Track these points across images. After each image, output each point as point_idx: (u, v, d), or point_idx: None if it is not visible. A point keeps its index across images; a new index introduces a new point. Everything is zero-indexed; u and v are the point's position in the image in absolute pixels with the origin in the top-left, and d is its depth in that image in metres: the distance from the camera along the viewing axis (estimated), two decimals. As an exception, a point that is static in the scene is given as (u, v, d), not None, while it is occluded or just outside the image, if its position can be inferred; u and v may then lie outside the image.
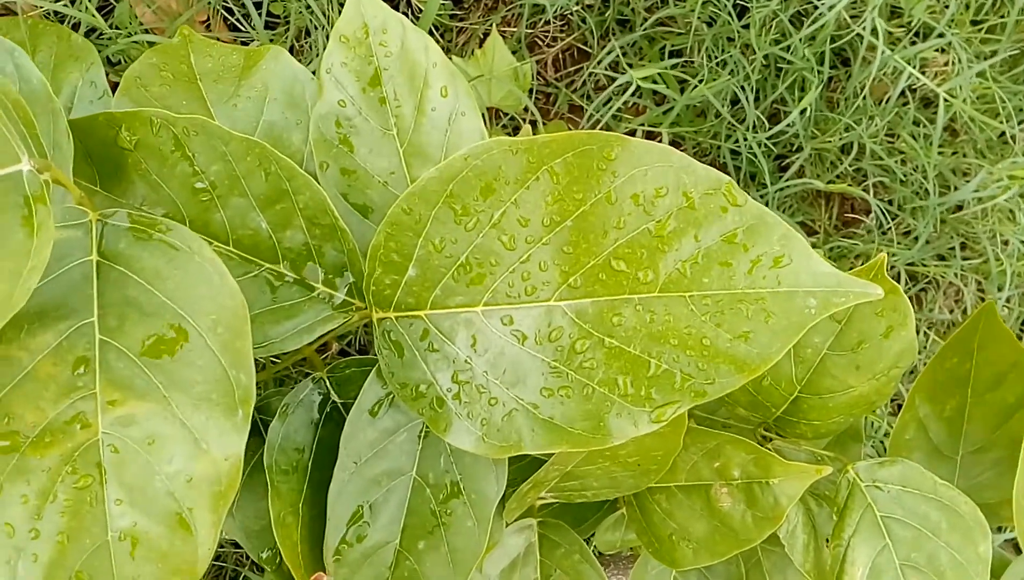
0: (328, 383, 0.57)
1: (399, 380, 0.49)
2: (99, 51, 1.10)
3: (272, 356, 0.67)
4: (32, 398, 0.41)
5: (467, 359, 0.47)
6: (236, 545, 1.19)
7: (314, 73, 0.57)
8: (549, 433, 0.45)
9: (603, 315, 0.45)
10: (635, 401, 0.44)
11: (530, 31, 1.24)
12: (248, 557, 1.19)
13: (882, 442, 1.23)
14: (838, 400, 0.59)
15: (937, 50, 1.22)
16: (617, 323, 0.45)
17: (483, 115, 1.20)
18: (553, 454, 0.54)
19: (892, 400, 1.27)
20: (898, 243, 1.27)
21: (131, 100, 0.57)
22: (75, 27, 1.13)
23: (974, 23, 1.23)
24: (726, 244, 0.43)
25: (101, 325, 0.42)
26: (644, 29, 1.20)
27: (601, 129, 1.25)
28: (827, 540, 0.59)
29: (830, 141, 1.22)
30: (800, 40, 1.15)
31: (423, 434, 0.54)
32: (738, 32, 1.18)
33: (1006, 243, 1.27)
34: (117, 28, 1.12)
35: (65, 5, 1.06)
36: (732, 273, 0.43)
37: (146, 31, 1.12)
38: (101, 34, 1.12)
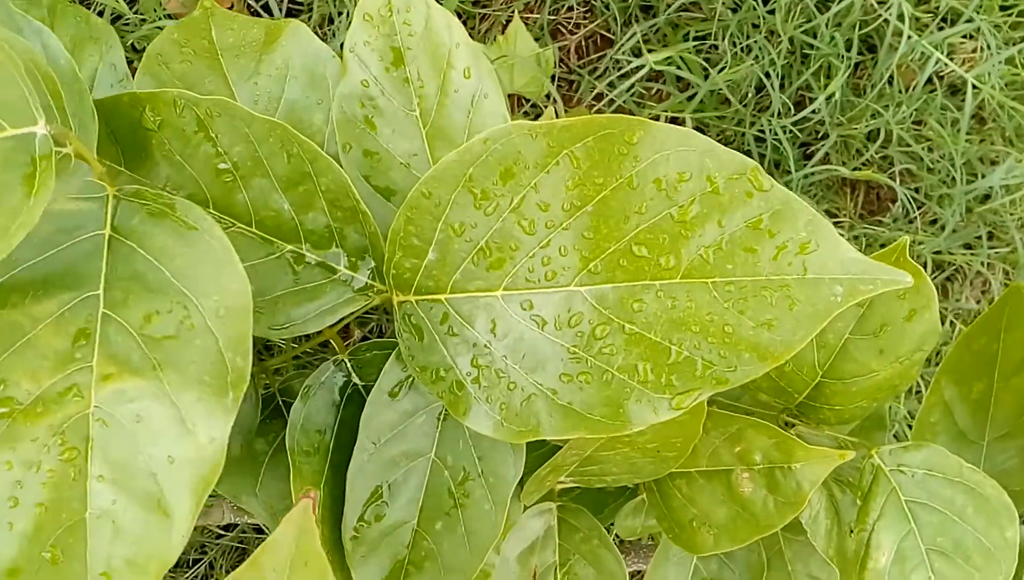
0: (349, 365, 0.57)
1: (419, 363, 0.49)
2: (123, 38, 1.11)
3: (294, 339, 0.67)
4: (30, 366, 0.40)
5: (487, 344, 0.47)
6: (258, 530, 1.20)
7: (337, 52, 0.57)
8: (567, 419, 0.45)
9: (624, 301, 0.44)
10: (655, 388, 0.43)
11: (553, 17, 1.24)
12: (270, 541, 1.20)
13: (905, 433, 1.22)
14: (861, 385, 0.58)
15: (965, 36, 1.21)
16: (638, 309, 0.44)
17: (504, 101, 1.20)
18: (570, 439, 0.54)
19: (916, 392, 1.26)
20: (924, 231, 1.26)
21: (152, 78, 0.57)
22: (99, 15, 1.14)
23: (1003, 8, 1.21)
24: (751, 230, 0.43)
25: (106, 298, 0.42)
26: (668, 15, 1.19)
27: (624, 116, 1.25)
28: (850, 528, 0.59)
29: (856, 128, 1.21)
30: (826, 25, 1.14)
31: (442, 416, 0.54)
32: (763, 17, 1.17)
33: (1034, 232, 1.26)
34: (142, 15, 1.13)
35: (90, -10, 1.07)
36: (756, 259, 0.43)
37: (169, 17, 1.13)
38: (126, 21, 1.13)
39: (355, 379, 0.57)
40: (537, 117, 1.23)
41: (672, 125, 0.42)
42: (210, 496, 0.80)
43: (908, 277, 0.41)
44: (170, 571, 1.17)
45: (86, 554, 0.40)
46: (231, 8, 1.17)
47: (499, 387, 0.46)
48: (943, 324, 1.26)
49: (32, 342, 0.41)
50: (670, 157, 0.43)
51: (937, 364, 1.25)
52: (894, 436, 1.20)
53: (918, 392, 1.26)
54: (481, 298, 0.47)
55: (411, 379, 0.53)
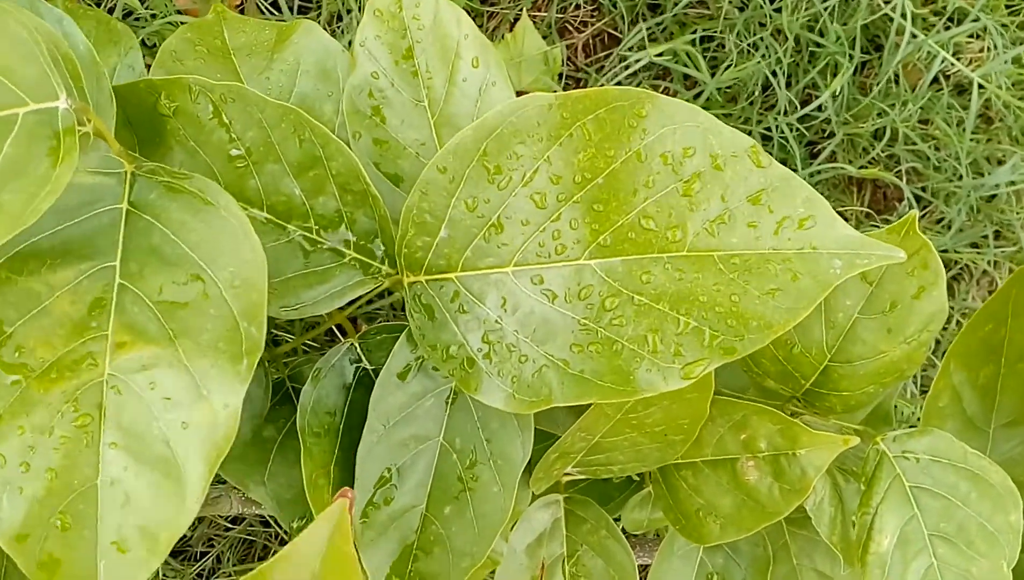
0: (359, 348, 0.58)
1: (429, 342, 0.49)
2: (134, 33, 1.12)
3: (304, 326, 0.68)
4: (45, 333, 0.41)
5: (497, 319, 0.47)
6: (265, 523, 1.21)
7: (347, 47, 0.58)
8: (578, 386, 0.45)
9: (632, 273, 0.45)
10: (664, 358, 0.44)
11: (560, 16, 1.24)
12: (277, 536, 1.20)
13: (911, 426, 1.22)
14: (868, 367, 0.58)
15: (971, 36, 1.21)
16: (646, 281, 0.45)
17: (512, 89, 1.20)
18: (577, 421, 0.54)
19: (923, 392, 1.26)
20: (930, 230, 1.26)
21: (166, 72, 0.58)
22: (111, 10, 1.15)
23: (1009, 8, 1.21)
24: (751, 205, 0.44)
25: (122, 269, 0.42)
26: (675, 12, 1.20)
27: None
28: (853, 521, 0.59)
29: (862, 127, 1.21)
30: (832, 21, 1.15)
31: (451, 399, 0.54)
32: (770, 16, 1.18)
33: (1040, 230, 1.26)
34: (152, 11, 1.14)
35: (103, -13, 1.08)
36: (758, 234, 0.44)
37: (179, 12, 1.14)
38: (137, 16, 1.14)
39: (365, 363, 0.58)
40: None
41: (679, 100, 0.43)
42: (218, 485, 0.81)
43: (901, 252, 0.42)
44: (178, 563, 1.17)
45: (96, 521, 0.40)
46: (240, 6, 1.18)
47: (510, 361, 0.47)
48: (949, 323, 1.27)
49: (48, 310, 0.41)
50: (676, 131, 0.44)
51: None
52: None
53: (923, 391, 1.26)
54: (492, 275, 0.47)
55: (420, 361, 0.53)
